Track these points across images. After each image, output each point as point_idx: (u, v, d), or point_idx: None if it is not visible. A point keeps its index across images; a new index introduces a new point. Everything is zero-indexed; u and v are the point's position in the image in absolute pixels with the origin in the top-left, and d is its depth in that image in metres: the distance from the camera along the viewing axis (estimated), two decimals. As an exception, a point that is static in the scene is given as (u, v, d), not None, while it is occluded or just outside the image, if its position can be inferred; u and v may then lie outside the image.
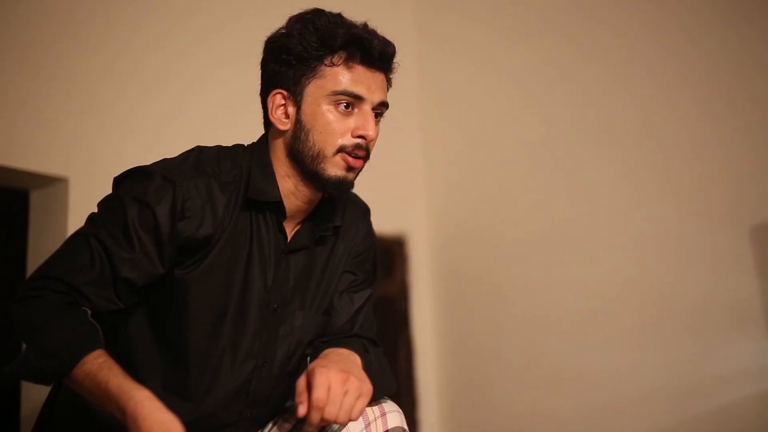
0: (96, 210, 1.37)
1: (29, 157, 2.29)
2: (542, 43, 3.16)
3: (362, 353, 1.37)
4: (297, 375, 1.43)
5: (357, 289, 1.52)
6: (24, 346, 1.21)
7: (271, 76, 1.40)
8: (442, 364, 3.29)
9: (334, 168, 1.35)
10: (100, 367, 1.17)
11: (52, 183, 2.37)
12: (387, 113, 1.48)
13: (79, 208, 2.35)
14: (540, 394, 2.95)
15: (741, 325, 2.51)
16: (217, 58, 2.80)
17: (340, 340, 1.43)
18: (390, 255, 3.21)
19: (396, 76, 1.46)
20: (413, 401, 3.18)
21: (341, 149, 1.35)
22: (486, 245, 3.23)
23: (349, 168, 1.36)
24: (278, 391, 1.44)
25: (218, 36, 2.82)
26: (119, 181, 1.39)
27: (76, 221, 2.33)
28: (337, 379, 1.19)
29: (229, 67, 2.81)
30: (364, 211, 1.60)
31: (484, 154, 3.31)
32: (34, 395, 2.30)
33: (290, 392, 1.45)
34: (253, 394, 1.39)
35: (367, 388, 1.24)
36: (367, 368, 1.32)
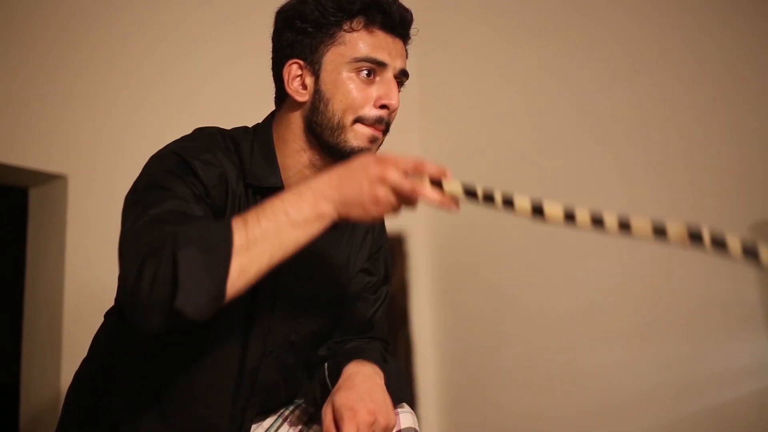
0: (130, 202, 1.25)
1: (29, 155, 2.29)
2: (540, 43, 3.16)
3: (382, 364, 1.34)
4: (307, 368, 1.42)
5: (374, 289, 1.49)
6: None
7: (285, 47, 1.31)
8: (441, 361, 3.29)
9: (355, 139, 1.28)
10: (255, 214, 1.07)
11: (52, 180, 2.37)
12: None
13: (79, 205, 2.35)
14: (538, 391, 2.96)
15: (738, 323, 2.51)
16: (218, 57, 2.80)
17: (359, 346, 1.40)
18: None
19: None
20: (412, 399, 3.18)
21: (360, 120, 1.28)
22: (485, 243, 3.23)
23: (372, 139, 1.29)
24: (287, 380, 1.41)
25: (219, 35, 2.82)
26: (144, 174, 1.30)
27: (75, 219, 2.33)
28: (365, 424, 1.18)
29: (229, 66, 2.81)
30: None
31: (482, 152, 3.31)
32: (34, 395, 2.31)
33: (300, 384, 1.43)
34: (261, 382, 1.36)
35: (392, 424, 1.24)
36: (387, 381, 1.31)
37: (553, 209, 1.00)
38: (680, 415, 2.59)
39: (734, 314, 2.52)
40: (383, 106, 1.29)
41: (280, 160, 1.32)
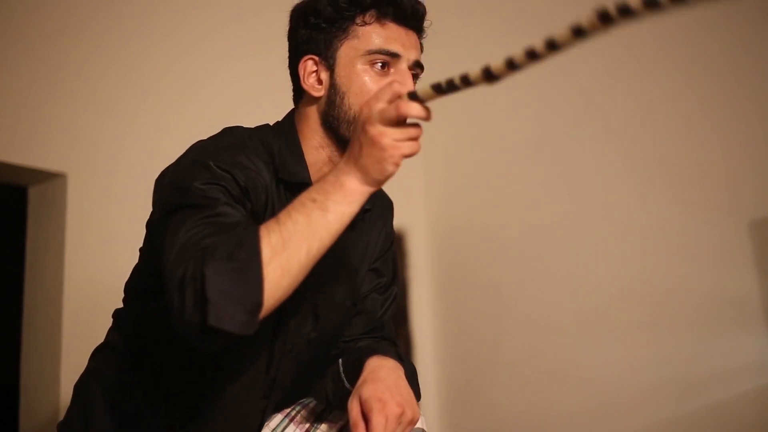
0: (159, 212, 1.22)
1: (28, 153, 2.29)
2: (539, 38, 3.16)
3: (400, 361, 1.34)
4: (320, 366, 1.42)
5: (383, 289, 1.49)
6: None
7: (300, 44, 1.32)
8: (441, 360, 3.29)
9: None
10: (286, 211, 1.05)
11: (51, 179, 2.37)
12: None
13: (78, 203, 2.35)
14: (539, 390, 2.96)
15: (741, 320, 2.51)
16: (218, 57, 2.80)
17: (372, 345, 1.40)
18: (389, 251, 3.21)
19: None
20: (412, 397, 3.18)
21: None
22: (485, 241, 3.23)
23: None
24: (302, 377, 1.41)
25: (219, 34, 2.82)
26: (169, 179, 1.24)
27: (74, 217, 2.33)
28: (394, 415, 1.18)
29: (229, 65, 2.81)
30: (389, 204, 1.54)
31: (482, 150, 3.31)
32: (33, 393, 2.31)
33: (309, 383, 1.43)
34: (279, 381, 1.36)
35: (417, 417, 1.24)
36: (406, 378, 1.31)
37: (520, 56, 1.01)
38: (681, 413, 2.59)
39: (736, 312, 2.52)
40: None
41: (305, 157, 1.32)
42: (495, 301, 3.15)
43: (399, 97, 1.04)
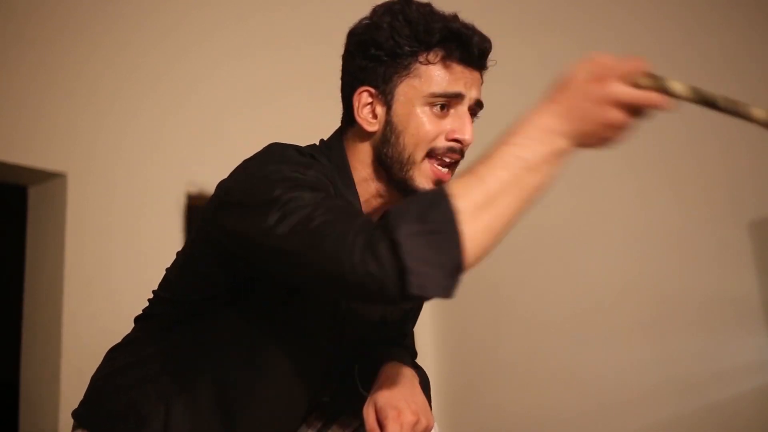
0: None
1: (28, 153, 2.29)
2: (540, 37, 3.16)
3: (416, 370, 1.35)
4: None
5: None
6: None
7: (356, 72, 1.23)
8: (440, 360, 3.29)
9: (423, 179, 1.21)
10: (484, 166, 0.96)
11: (51, 178, 2.37)
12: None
13: (77, 203, 2.36)
14: (539, 390, 2.96)
15: (741, 320, 2.51)
16: (217, 57, 2.80)
17: (390, 351, 1.39)
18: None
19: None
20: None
21: (431, 153, 1.21)
22: (485, 241, 3.23)
23: (438, 182, 1.22)
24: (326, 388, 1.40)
25: (218, 35, 2.82)
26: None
27: (74, 217, 2.34)
28: (408, 424, 1.19)
29: (229, 65, 2.81)
30: None
31: (481, 149, 3.31)
32: (33, 392, 2.31)
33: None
34: (311, 404, 1.33)
35: (431, 426, 1.24)
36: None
37: None
38: (681, 413, 2.59)
39: (736, 312, 2.52)
40: (455, 140, 1.23)
41: None
42: (495, 302, 3.15)
43: (636, 72, 0.97)
